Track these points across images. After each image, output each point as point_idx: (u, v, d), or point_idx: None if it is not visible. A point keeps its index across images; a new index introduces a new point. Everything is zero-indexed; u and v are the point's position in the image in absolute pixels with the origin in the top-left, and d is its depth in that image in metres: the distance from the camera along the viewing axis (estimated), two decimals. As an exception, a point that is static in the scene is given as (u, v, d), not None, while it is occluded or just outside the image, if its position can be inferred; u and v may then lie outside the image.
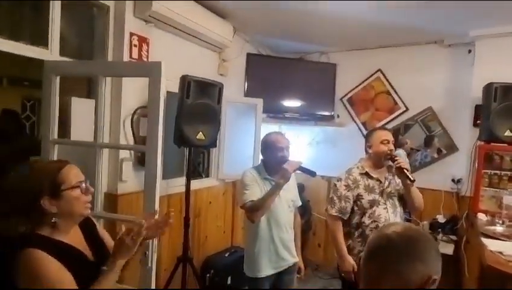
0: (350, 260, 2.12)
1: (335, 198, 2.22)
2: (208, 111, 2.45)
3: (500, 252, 1.84)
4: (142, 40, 2.38)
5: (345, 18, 2.95)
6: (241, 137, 3.43)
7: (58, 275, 1.11)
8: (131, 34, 2.31)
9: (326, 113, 4.00)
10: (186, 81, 2.34)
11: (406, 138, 3.68)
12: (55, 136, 1.99)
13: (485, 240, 2.11)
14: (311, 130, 4.17)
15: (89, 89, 2.41)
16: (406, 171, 2.05)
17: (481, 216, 2.70)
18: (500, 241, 2.03)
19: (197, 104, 2.39)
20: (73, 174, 1.22)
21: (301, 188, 3.91)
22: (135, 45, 2.33)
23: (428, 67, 3.52)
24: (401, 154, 3.69)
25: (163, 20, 2.44)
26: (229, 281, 3.06)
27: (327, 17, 2.95)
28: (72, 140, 2.15)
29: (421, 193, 2.21)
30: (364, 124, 3.90)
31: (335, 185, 2.28)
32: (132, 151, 2.42)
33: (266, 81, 3.74)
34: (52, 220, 1.17)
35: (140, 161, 2.37)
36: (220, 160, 3.32)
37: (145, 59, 2.41)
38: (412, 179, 2.05)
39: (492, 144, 2.82)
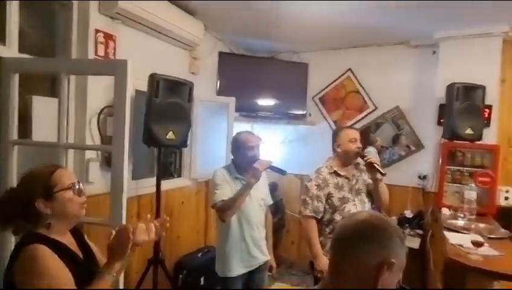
0: (325, 260, 2.12)
1: (307, 199, 2.24)
2: (177, 110, 2.42)
3: (461, 245, 1.93)
4: (109, 37, 2.31)
5: (315, 18, 2.98)
6: (213, 136, 3.41)
7: (59, 272, 1.15)
8: (97, 31, 2.23)
9: (299, 112, 4.05)
10: (154, 80, 2.29)
11: (377, 135, 3.78)
12: (15, 136, 1.90)
13: (447, 234, 2.20)
14: (283, 129, 4.21)
15: (53, 88, 2.31)
16: (376, 165, 2.11)
17: (445, 211, 2.82)
18: (461, 234, 2.12)
19: (167, 103, 2.35)
20: (65, 176, 1.28)
21: (274, 186, 3.95)
22: (101, 42, 2.26)
23: (396, 67, 3.64)
24: (371, 152, 3.80)
25: (131, 17, 2.38)
26: (202, 282, 3.04)
27: (298, 17, 2.97)
28: (33, 141, 2.06)
29: (389, 189, 2.29)
30: (335, 122, 3.97)
31: (306, 186, 2.30)
32: (99, 152, 2.35)
33: (238, 80, 3.73)
34: (47, 222, 1.23)
35: (108, 162, 2.29)
36: (192, 159, 3.29)
37: (112, 57, 2.34)
38: (383, 172, 2.12)
39: (455, 141, 2.95)
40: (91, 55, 2.20)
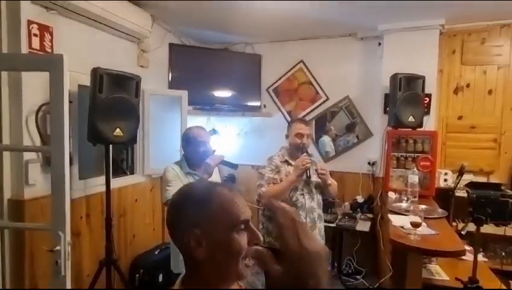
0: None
1: (263, 182, 2.30)
2: (124, 106, 2.33)
3: (402, 226, 2.06)
4: (44, 29, 2.15)
5: (266, 10, 2.98)
6: (167, 130, 3.33)
7: None
8: (30, 22, 2.07)
9: (253, 104, 4.06)
10: (98, 75, 2.19)
11: (332, 124, 3.90)
12: None
13: (391, 216, 2.34)
14: (239, 121, 4.21)
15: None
16: (324, 176, 2.26)
17: (391, 194, 2.99)
18: (402, 216, 2.27)
19: (112, 98, 2.25)
20: None
21: (232, 178, 3.95)
22: (35, 35, 2.10)
23: (344, 58, 3.75)
24: (325, 141, 3.94)
25: (68, 7, 2.23)
26: (160, 279, 3.00)
27: (249, 8, 2.95)
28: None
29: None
30: (289, 113, 4.04)
31: (260, 172, 2.37)
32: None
33: (191, 73, 3.66)
34: None
35: (49, 162, 2.16)
36: (145, 155, 3.20)
37: (49, 50, 2.19)
38: (329, 183, 2.29)
39: (399, 129, 3.12)
40: (24, 49, 2.04)
